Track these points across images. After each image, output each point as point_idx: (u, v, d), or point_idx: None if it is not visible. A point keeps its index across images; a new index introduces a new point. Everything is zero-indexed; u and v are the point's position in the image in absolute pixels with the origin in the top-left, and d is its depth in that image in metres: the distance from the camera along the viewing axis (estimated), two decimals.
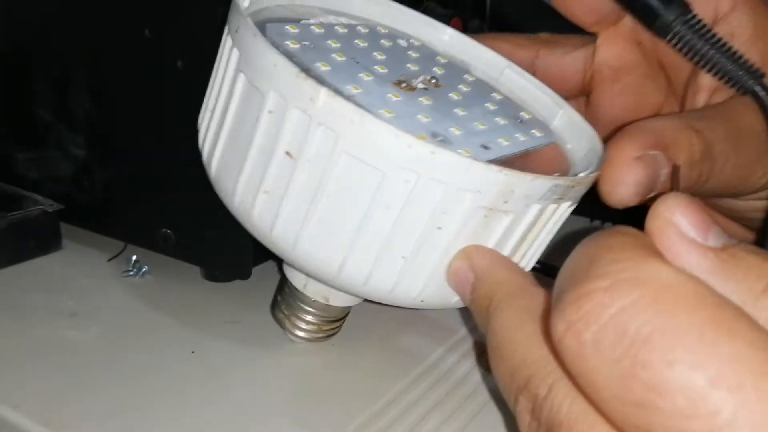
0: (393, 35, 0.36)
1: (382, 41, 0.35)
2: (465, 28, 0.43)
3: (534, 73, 0.38)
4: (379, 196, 0.25)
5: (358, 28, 0.35)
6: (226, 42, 0.29)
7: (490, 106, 0.33)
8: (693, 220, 0.17)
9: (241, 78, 0.28)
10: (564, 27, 0.60)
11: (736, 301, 0.16)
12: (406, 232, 0.26)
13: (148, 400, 0.29)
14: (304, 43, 0.30)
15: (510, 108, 0.34)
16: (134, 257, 0.37)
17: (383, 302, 0.29)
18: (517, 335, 0.21)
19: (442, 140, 0.28)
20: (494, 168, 0.25)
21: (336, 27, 0.33)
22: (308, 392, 0.31)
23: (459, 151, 0.28)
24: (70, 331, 0.33)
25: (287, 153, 0.26)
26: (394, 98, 0.29)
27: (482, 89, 0.35)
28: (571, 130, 0.35)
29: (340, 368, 0.33)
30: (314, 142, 0.25)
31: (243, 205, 0.28)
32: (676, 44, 0.32)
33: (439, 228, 0.26)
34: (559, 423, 0.18)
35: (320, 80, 0.28)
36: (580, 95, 0.39)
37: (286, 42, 0.29)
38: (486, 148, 0.29)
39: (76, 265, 0.39)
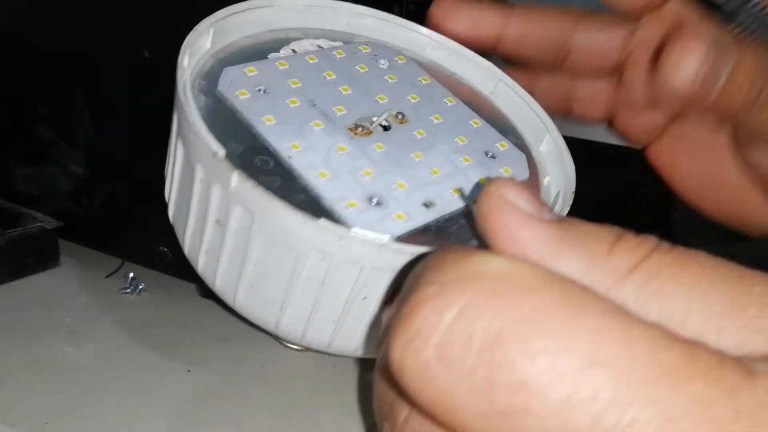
0: (374, 55, 0.35)
1: (358, 66, 0.34)
2: None
3: (569, 50, 0.36)
4: (299, 270, 0.26)
5: (334, 53, 0.34)
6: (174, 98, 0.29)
7: (460, 141, 0.32)
8: (525, 196, 0.17)
9: (180, 142, 0.28)
10: None
11: (583, 266, 0.15)
12: (331, 301, 0.27)
13: (145, 419, 0.31)
14: (258, 88, 0.30)
15: (486, 138, 0.33)
16: (131, 274, 0.40)
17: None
18: (381, 404, 0.21)
19: (378, 203, 0.27)
20: (407, 249, 0.25)
21: (306, 57, 0.33)
22: (302, 411, 0.33)
23: (393, 215, 0.27)
24: (67, 348, 0.35)
25: (217, 221, 0.27)
26: (339, 152, 0.29)
27: (460, 116, 0.34)
28: (554, 159, 0.33)
29: (335, 388, 0.34)
30: (234, 218, 0.26)
31: (191, 256, 0.30)
32: (741, 32, 0.31)
33: (365, 298, 0.27)
34: None
35: (259, 139, 0.28)
36: (613, 74, 0.38)
37: (236, 93, 0.30)
38: (428, 206, 0.28)
39: (74, 282, 0.41)
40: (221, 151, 0.25)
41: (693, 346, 0.13)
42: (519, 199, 0.16)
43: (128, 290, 0.39)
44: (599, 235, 0.16)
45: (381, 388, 0.18)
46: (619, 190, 0.71)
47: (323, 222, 0.24)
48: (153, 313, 0.38)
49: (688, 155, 0.37)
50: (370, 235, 0.25)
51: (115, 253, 0.42)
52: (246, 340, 0.36)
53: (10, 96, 0.45)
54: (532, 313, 0.13)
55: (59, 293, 0.41)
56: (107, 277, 0.41)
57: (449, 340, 0.13)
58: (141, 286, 0.39)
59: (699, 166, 0.37)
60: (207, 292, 0.40)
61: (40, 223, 0.43)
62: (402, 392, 0.15)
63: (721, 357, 0.13)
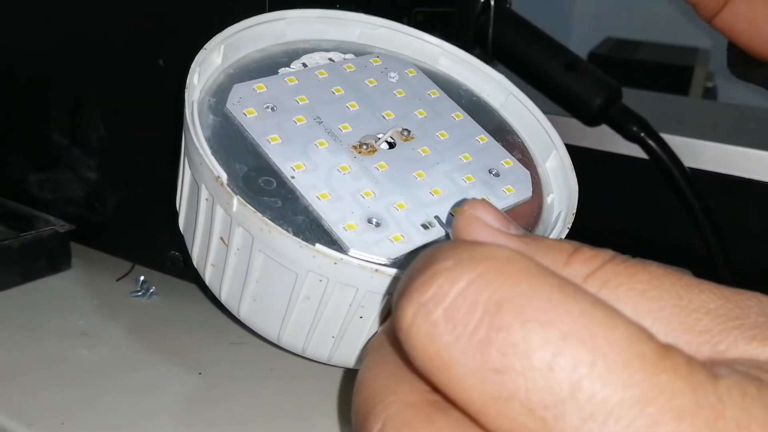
0: (385, 68, 0.35)
1: (367, 81, 0.34)
2: None
3: None
4: (297, 290, 0.27)
5: (344, 67, 0.35)
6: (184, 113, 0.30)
7: (464, 158, 0.33)
8: (493, 214, 0.19)
9: (186, 161, 0.29)
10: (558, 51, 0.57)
11: None
12: (329, 318, 0.28)
13: (157, 419, 0.32)
14: (266, 106, 0.31)
15: (491, 154, 0.33)
16: (142, 278, 0.41)
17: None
18: (370, 373, 0.22)
19: (377, 224, 0.28)
20: (400, 274, 0.25)
21: (316, 72, 0.34)
22: (312, 414, 0.34)
23: (391, 237, 0.28)
24: (81, 350, 0.37)
25: (221, 239, 0.28)
26: (342, 172, 0.30)
27: (466, 132, 0.34)
28: (559, 176, 0.34)
29: (346, 392, 0.35)
30: (236, 238, 0.27)
31: (199, 267, 0.31)
32: None
33: (361, 317, 0.28)
34: None
35: (263, 159, 0.29)
36: None
37: (243, 111, 0.30)
38: (426, 227, 0.29)
39: (86, 285, 0.42)
40: (223, 176, 0.26)
41: (667, 346, 0.15)
42: (488, 216, 0.19)
43: (139, 293, 0.41)
44: (558, 247, 0.18)
45: (358, 401, 0.20)
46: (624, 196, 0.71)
47: (319, 247, 0.25)
48: (164, 316, 0.40)
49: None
50: (366, 259, 0.26)
51: (126, 256, 0.43)
52: (256, 344, 0.37)
53: (26, 102, 0.46)
54: (529, 292, 0.15)
55: (71, 296, 0.41)
56: (118, 280, 0.42)
57: (457, 304, 0.15)
58: (152, 290, 0.41)
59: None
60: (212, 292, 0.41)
61: (53, 227, 0.43)
62: (403, 356, 0.17)
63: (690, 359, 0.15)
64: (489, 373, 0.15)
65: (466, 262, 0.16)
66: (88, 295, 0.41)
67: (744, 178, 0.64)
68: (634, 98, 0.64)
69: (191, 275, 0.40)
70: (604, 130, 0.63)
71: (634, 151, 0.63)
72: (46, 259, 0.43)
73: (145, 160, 0.40)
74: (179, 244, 0.40)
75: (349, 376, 0.36)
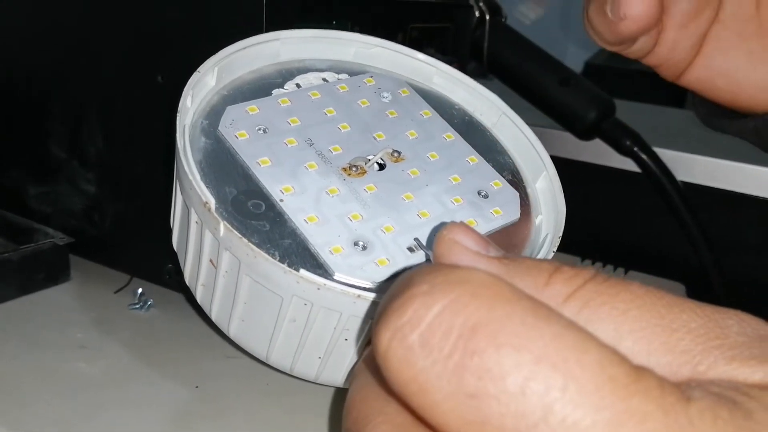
0: (378, 88, 0.36)
1: (359, 101, 0.35)
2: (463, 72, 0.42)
3: None
4: (283, 313, 0.27)
5: (338, 87, 0.35)
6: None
7: (453, 180, 0.33)
8: (472, 237, 0.19)
9: (178, 184, 0.30)
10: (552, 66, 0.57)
11: None
12: (315, 340, 0.28)
13: None
14: (258, 128, 0.32)
15: (480, 175, 0.34)
16: (140, 290, 0.41)
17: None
18: (358, 394, 0.22)
19: (363, 247, 0.29)
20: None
21: (309, 93, 0.34)
22: (307, 428, 0.34)
23: (376, 261, 0.28)
24: (80, 363, 0.37)
25: (210, 261, 0.29)
26: (330, 195, 0.30)
27: (457, 152, 0.35)
28: (548, 197, 0.34)
29: (340, 406, 0.35)
30: (224, 262, 0.28)
31: (190, 286, 0.32)
32: None
33: (346, 339, 0.28)
34: None
35: (253, 182, 0.29)
36: None
37: (235, 134, 0.31)
38: (412, 250, 0.29)
39: (84, 297, 0.43)
40: (211, 202, 0.27)
41: (640, 368, 0.15)
42: (467, 240, 0.19)
43: (137, 306, 0.41)
44: (538, 268, 0.18)
45: (348, 423, 0.20)
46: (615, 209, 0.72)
47: (303, 273, 0.26)
48: (161, 329, 0.40)
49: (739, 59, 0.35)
50: (350, 283, 0.27)
51: (124, 269, 0.44)
52: (252, 358, 0.38)
53: (26, 116, 0.47)
54: (503, 316, 0.15)
55: (70, 308, 0.41)
56: (116, 292, 0.43)
57: (432, 329, 0.16)
58: (149, 302, 0.41)
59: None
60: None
61: (52, 239, 0.44)
62: (383, 379, 0.17)
63: (662, 381, 0.15)
64: (464, 397, 0.15)
65: (441, 286, 0.16)
66: (86, 307, 0.42)
67: (737, 193, 0.65)
68: (628, 111, 0.65)
69: (187, 289, 0.41)
70: (598, 144, 0.63)
71: (628, 165, 0.64)
72: (45, 272, 0.44)
73: (144, 174, 0.41)
74: (176, 257, 0.40)
75: (341, 393, 0.36)
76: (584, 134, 0.63)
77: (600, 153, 0.66)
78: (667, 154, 0.65)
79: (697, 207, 0.62)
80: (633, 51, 0.33)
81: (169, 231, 0.35)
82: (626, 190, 0.68)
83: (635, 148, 0.62)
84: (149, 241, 0.42)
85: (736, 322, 0.17)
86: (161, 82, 0.39)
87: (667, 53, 0.33)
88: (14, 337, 0.39)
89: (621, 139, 0.62)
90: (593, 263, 0.61)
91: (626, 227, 0.71)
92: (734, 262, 0.63)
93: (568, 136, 0.64)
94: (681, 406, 0.14)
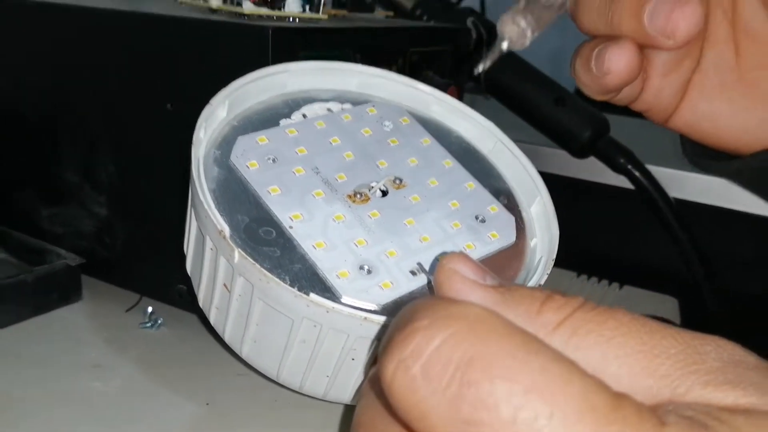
0: (380, 117, 0.38)
1: (363, 130, 0.37)
2: (461, 96, 0.44)
3: None
4: (294, 334, 0.29)
5: (342, 117, 0.37)
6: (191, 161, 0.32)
7: (452, 206, 0.35)
8: (471, 267, 0.21)
9: (193, 212, 0.32)
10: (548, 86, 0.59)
11: (519, 322, 0.19)
12: (324, 360, 0.30)
13: None
14: (268, 158, 0.33)
15: (478, 201, 0.36)
16: (150, 309, 0.43)
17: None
18: (365, 416, 0.24)
19: (368, 271, 0.30)
20: (386, 321, 0.28)
21: (315, 123, 0.36)
22: None
23: (380, 284, 0.30)
24: (94, 382, 0.39)
25: (224, 285, 0.30)
26: (336, 221, 0.32)
27: (455, 178, 0.36)
28: (542, 221, 0.36)
29: (347, 422, 0.37)
30: (238, 287, 0.29)
31: (204, 308, 0.33)
32: None
33: (353, 359, 0.30)
34: None
35: (264, 209, 0.31)
36: None
37: (246, 164, 0.33)
38: (414, 274, 0.31)
39: (96, 317, 0.44)
40: (226, 230, 0.29)
41: (620, 396, 0.17)
42: (465, 269, 0.21)
43: (148, 325, 0.43)
44: (531, 296, 0.20)
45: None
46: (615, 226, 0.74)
47: (313, 296, 0.28)
48: (172, 347, 0.42)
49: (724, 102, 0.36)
50: (356, 306, 0.28)
51: (134, 288, 0.46)
52: (260, 375, 0.39)
53: (40, 142, 0.49)
54: (496, 350, 0.17)
55: (83, 328, 0.43)
56: (127, 311, 0.45)
57: (432, 360, 0.17)
58: (160, 321, 0.43)
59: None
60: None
61: (64, 260, 0.45)
62: (388, 403, 0.19)
63: (640, 407, 0.16)
64: (461, 424, 0.17)
65: (440, 321, 0.18)
66: (98, 327, 0.43)
67: (728, 209, 0.67)
68: (622, 127, 0.66)
69: (196, 308, 0.42)
70: (593, 161, 0.65)
71: (622, 182, 0.66)
72: (59, 292, 0.45)
73: (153, 198, 0.43)
74: (186, 278, 0.42)
75: (348, 408, 0.38)
76: (579, 153, 0.65)
77: (595, 170, 0.68)
78: (659, 172, 0.66)
79: (690, 223, 0.64)
80: (620, 99, 0.35)
81: (179, 252, 0.37)
82: (621, 207, 0.70)
83: (629, 166, 0.64)
84: (159, 261, 0.43)
85: (713, 348, 0.19)
86: (170, 109, 0.41)
87: (652, 100, 0.35)
88: (31, 356, 0.40)
89: (615, 157, 0.64)
90: (589, 278, 0.63)
91: (621, 243, 0.73)
92: (726, 276, 0.65)
93: (563, 154, 0.66)
94: (655, 430, 0.16)
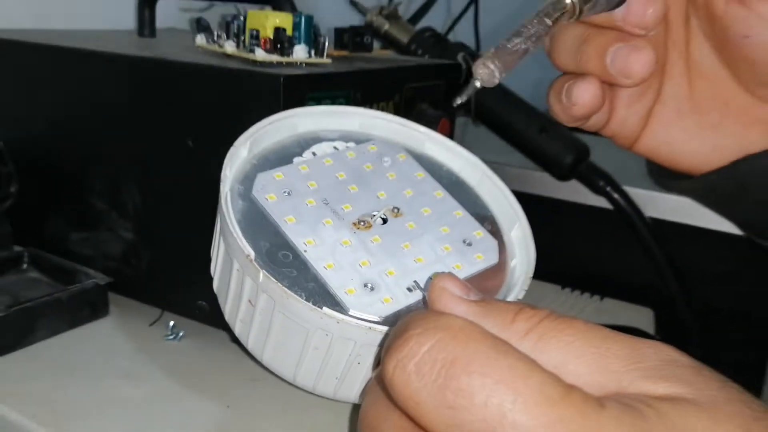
0: (380, 154, 0.43)
1: (365, 166, 0.42)
2: (452, 126, 0.50)
3: None
4: (308, 342, 0.34)
5: (347, 154, 0.42)
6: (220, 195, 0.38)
7: (443, 231, 0.40)
8: (457, 285, 0.26)
9: (222, 239, 0.37)
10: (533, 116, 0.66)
11: (495, 331, 0.24)
12: (334, 364, 0.35)
13: None
14: (284, 191, 0.39)
15: (465, 227, 0.41)
16: (171, 323, 0.48)
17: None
18: (371, 405, 0.27)
19: (371, 288, 0.36)
20: (387, 330, 0.33)
21: (323, 160, 0.41)
22: None
23: (382, 299, 0.36)
24: (126, 389, 0.44)
25: (249, 301, 0.36)
26: (344, 246, 0.37)
27: (446, 207, 0.42)
28: (522, 244, 0.41)
29: (354, 420, 0.42)
30: (261, 302, 0.35)
31: (230, 322, 0.39)
32: None
33: (359, 363, 0.35)
34: None
35: (282, 236, 0.37)
36: None
37: (265, 197, 0.38)
38: (411, 290, 0.37)
39: (124, 330, 0.50)
40: (252, 254, 0.34)
41: (570, 387, 0.21)
42: (453, 287, 0.26)
43: (171, 337, 0.48)
44: (506, 309, 0.25)
45: (362, 429, 0.27)
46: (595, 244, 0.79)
47: (326, 310, 0.33)
48: (194, 356, 0.47)
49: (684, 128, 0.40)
50: (362, 318, 0.34)
51: (158, 304, 0.51)
52: (273, 380, 0.44)
53: (71, 174, 0.54)
54: (474, 352, 0.22)
55: (112, 340, 0.49)
56: (151, 325, 0.50)
57: (424, 360, 0.22)
58: (181, 333, 0.48)
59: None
60: (237, 338, 0.48)
61: (94, 279, 0.51)
62: (390, 395, 0.24)
63: (585, 396, 0.21)
64: (446, 408, 0.22)
65: (430, 330, 0.23)
66: (126, 339, 0.49)
67: (700, 228, 0.72)
68: (604, 149, 0.72)
69: (216, 321, 0.48)
70: (575, 184, 0.71)
71: (602, 202, 0.71)
72: (89, 308, 0.51)
73: (175, 223, 0.48)
74: (206, 294, 0.47)
75: (356, 408, 0.43)
76: (563, 176, 0.70)
77: (577, 192, 0.73)
78: (636, 193, 0.72)
79: (665, 240, 0.70)
80: (589, 126, 0.40)
81: (199, 272, 0.42)
82: (601, 225, 0.75)
83: (608, 188, 0.70)
84: (181, 281, 0.49)
85: (653, 351, 0.23)
86: (191, 145, 0.46)
87: (618, 127, 0.40)
88: (67, 366, 0.45)
89: (595, 180, 0.70)
90: (572, 291, 0.68)
91: (601, 258, 0.78)
92: (698, 290, 0.70)
93: (548, 177, 0.72)
94: (595, 413, 0.21)
